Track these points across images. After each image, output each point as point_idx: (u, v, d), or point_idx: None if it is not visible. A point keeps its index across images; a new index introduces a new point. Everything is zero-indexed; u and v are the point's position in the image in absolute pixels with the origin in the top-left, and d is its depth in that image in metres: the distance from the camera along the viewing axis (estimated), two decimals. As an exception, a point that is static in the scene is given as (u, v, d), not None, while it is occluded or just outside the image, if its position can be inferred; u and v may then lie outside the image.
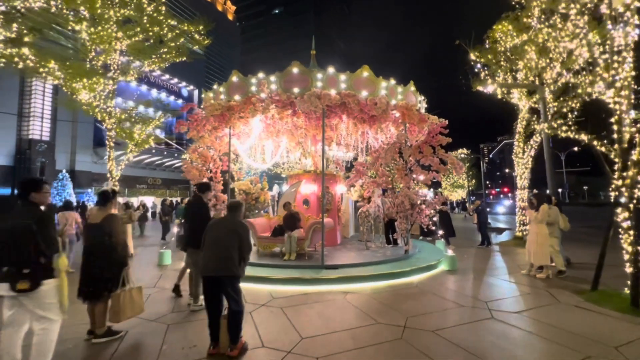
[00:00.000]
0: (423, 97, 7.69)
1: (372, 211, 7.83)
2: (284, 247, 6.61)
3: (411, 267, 6.14)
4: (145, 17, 9.38)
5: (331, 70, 6.26)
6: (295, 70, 6.20)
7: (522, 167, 10.66)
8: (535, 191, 8.52)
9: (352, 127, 7.93)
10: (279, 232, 6.88)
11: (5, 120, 22.76)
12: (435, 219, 11.75)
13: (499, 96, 10.47)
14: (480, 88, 9.13)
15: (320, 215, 8.25)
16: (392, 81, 6.82)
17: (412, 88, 7.10)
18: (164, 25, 9.64)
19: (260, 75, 6.34)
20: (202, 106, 7.39)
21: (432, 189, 46.65)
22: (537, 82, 9.08)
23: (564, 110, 8.15)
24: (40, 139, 25.23)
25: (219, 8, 56.89)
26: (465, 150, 37.65)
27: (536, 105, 9.84)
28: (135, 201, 20.80)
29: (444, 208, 12.02)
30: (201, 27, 10.27)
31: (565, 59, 7.44)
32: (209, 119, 6.69)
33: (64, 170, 23.01)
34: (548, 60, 7.96)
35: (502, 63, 10.20)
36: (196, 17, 10.76)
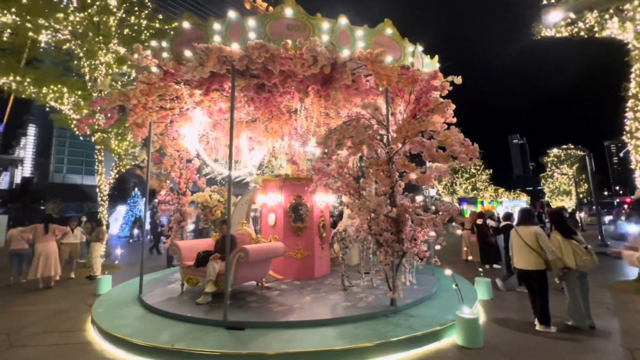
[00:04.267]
0: (421, 48, 4.78)
1: (352, 231, 5.13)
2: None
3: (388, 339, 3.35)
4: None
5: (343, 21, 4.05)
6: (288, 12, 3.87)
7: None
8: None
9: (317, 108, 5.47)
10: (205, 260, 4.88)
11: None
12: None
13: (583, 32, 6.32)
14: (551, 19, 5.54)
15: (288, 238, 5.99)
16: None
17: (389, 30, 4.34)
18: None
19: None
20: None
21: (434, 191, 37.48)
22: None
23: None
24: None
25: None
26: (571, 147, 29.13)
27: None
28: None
29: (492, 223, 8.23)
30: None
31: None
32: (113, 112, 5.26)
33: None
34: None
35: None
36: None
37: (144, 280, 5.31)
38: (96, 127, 8.53)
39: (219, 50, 3.69)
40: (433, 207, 4.38)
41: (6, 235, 7.80)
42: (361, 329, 3.63)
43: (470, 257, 9.13)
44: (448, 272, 4.11)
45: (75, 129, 8.46)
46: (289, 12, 3.89)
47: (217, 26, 3.98)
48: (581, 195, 27.98)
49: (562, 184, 29.63)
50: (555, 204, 33.39)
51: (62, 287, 6.82)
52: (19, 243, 7.11)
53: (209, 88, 4.61)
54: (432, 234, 4.11)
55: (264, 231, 6.49)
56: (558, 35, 6.19)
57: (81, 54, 8.85)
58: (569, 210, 28.35)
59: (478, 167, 37.59)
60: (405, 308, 4.30)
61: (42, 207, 32.32)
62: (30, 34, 7.54)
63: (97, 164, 9.19)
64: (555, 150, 29.08)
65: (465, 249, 9.51)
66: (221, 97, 5.32)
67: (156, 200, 7.10)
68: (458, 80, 4.61)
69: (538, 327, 3.94)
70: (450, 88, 4.54)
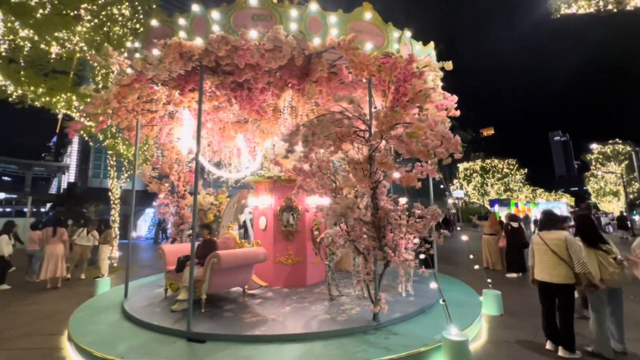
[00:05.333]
0: (409, 33, 4.29)
1: (335, 235, 4.70)
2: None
3: None
4: None
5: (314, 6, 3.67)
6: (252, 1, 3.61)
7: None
8: None
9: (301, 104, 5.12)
10: (184, 265, 4.72)
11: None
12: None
13: (611, 5, 5.37)
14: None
15: (278, 243, 5.72)
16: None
17: (367, 14, 3.90)
18: None
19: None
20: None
21: (461, 192, 34.10)
22: None
23: None
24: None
25: None
26: (618, 142, 26.17)
27: None
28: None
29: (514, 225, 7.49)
30: None
31: None
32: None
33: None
34: None
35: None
36: None
37: (140, 283, 5.29)
38: (107, 133, 8.81)
39: (179, 46, 3.50)
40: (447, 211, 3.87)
41: (27, 237, 8.32)
42: (331, 347, 3.24)
43: (490, 265, 8.33)
44: (433, 285, 3.59)
45: (84, 134, 8.83)
46: (253, 1, 3.62)
47: (182, 21, 3.81)
48: (631, 196, 24.98)
49: (609, 183, 26.66)
50: (603, 206, 30.20)
51: (68, 287, 7.05)
52: (31, 244, 7.51)
53: (184, 88, 4.46)
54: (416, 240, 3.61)
55: (257, 235, 6.27)
56: (581, 11, 5.34)
57: (95, 64, 9.23)
58: (618, 211, 25.48)
59: (511, 167, 35.10)
60: (390, 324, 3.83)
61: (84, 210, 34.90)
62: (43, 45, 7.94)
63: (109, 168, 9.52)
64: (599, 147, 26.32)
65: (486, 255, 8.69)
66: (205, 97, 5.17)
67: (155, 203, 7.15)
68: (448, 65, 4.08)
69: (561, 352, 3.31)
70: (440, 74, 4.02)
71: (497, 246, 8.33)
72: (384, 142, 3.71)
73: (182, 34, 3.78)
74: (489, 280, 5.01)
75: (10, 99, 8.34)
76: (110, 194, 9.51)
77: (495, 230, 8.53)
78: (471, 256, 5.58)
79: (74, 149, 51.49)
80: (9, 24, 7.95)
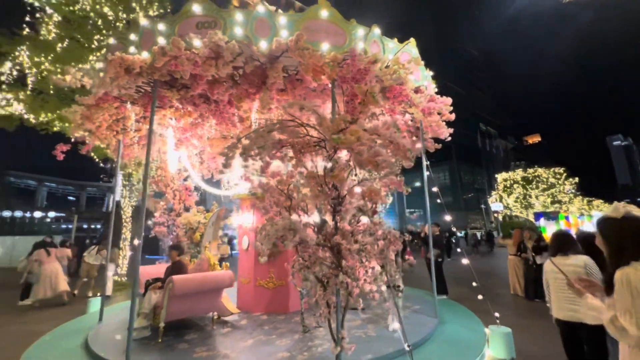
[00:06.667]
0: (378, 30, 3.80)
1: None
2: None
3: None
4: None
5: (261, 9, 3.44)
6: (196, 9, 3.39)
7: None
8: None
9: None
10: (147, 289, 4.47)
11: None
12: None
13: None
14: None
15: (259, 264, 5.32)
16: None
17: (324, 12, 3.50)
18: None
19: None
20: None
21: (499, 205, 30.00)
22: None
23: None
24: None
25: None
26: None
27: None
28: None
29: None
30: None
31: None
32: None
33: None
34: None
35: None
36: None
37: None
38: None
39: (121, 60, 3.37)
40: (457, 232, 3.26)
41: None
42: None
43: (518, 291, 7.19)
44: (394, 326, 2.93)
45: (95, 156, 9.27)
46: (196, 8, 3.42)
47: (133, 37, 3.71)
48: None
49: None
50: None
51: (69, 306, 7.19)
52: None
53: (147, 105, 4.36)
54: (377, 268, 3.01)
55: (240, 255, 5.94)
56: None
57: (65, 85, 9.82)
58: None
59: (558, 176, 31.71)
60: (356, 368, 3.20)
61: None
62: (59, 75, 8.59)
63: (122, 187, 9.90)
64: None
65: (513, 280, 7.54)
66: (179, 113, 5.06)
67: (149, 222, 7.15)
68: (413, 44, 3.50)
69: None
70: (410, 71, 3.47)
71: (525, 267, 7.18)
72: (345, 152, 3.23)
73: (132, 49, 3.68)
74: (497, 315, 4.13)
75: (36, 127, 9.06)
76: (122, 212, 9.85)
77: (517, 248, 7.41)
78: (474, 284, 4.71)
79: (118, 169, 55.96)
80: (35, 59, 8.73)
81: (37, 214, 30.10)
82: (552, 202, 31.14)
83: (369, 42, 3.76)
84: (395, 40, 4.09)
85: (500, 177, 34.82)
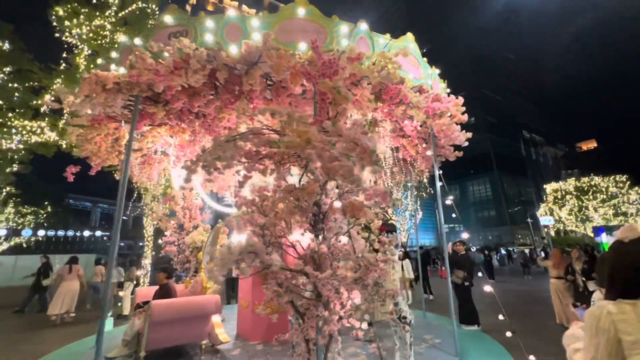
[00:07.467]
0: (365, 26, 3.40)
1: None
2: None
3: None
4: None
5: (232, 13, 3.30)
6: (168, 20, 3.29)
7: None
8: None
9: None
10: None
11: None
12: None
13: None
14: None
15: (257, 287, 4.95)
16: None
17: (300, 10, 3.18)
18: None
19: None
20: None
21: (548, 219, 25.75)
22: None
23: None
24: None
25: None
26: None
27: None
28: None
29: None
30: None
31: None
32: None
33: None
34: None
35: None
36: None
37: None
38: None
39: (95, 77, 3.31)
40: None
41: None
42: None
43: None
44: None
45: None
46: (169, 19, 3.30)
47: (114, 54, 3.70)
48: None
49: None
50: None
51: (84, 324, 7.23)
52: (95, 277, 8.25)
53: (139, 123, 4.31)
54: (357, 300, 2.47)
55: (240, 276, 5.60)
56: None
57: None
58: None
59: (620, 185, 27.95)
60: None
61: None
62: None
63: (144, 205, 10.21)
64: None
65: (557, 307, 6.35)
66: (173, 130, 5.00)
67: (160, 241, 7.15)
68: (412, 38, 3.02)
69: None
70: (399, 64, 2.99)
71: (576, 294, 5.98)
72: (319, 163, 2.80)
73: (113, 67, 3.64)
74: (532, 358, 3.29)
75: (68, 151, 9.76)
76: (144, 231, 10.09)
77: (564, 271, 6.24)
78: (500, 317, 3.87)
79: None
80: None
81: (87, 233, 32.59)
82: (615, 215, 27.36)
83: (354, 39, 3.37)
84: (388, 35, 3.66)
85: (549, 187, 31.58)
